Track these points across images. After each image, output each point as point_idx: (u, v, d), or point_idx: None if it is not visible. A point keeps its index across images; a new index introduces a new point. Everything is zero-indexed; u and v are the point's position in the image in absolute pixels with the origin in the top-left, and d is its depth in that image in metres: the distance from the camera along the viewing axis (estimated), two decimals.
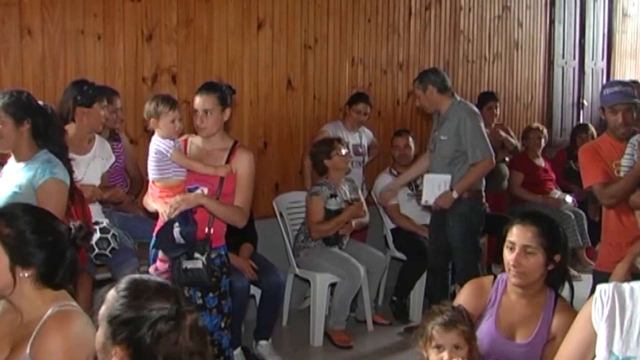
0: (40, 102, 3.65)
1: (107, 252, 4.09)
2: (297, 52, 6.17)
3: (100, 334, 1.99)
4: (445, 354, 2.62)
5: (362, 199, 5.78)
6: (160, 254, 3.86)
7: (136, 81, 5.26)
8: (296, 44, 6.16)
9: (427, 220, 6.07)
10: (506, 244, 3.01)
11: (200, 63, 5.55)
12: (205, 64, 5.58)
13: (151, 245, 3.99)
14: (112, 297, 1.98)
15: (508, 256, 2.98)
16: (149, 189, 3.99)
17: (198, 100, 3.90)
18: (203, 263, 3.75)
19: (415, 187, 6.12)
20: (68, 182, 3.48)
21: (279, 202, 5.82)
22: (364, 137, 6.25)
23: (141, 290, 1.97)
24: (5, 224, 2.31)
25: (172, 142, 3.80)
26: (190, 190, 3.84)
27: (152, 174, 3.88)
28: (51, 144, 3.55)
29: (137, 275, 2.07)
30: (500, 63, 8.07)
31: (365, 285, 5.61)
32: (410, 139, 6.24)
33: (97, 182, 4.41)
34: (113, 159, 4.63)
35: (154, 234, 3.87)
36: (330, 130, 6.02)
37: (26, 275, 2.33)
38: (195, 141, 4.02)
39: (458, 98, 5.38)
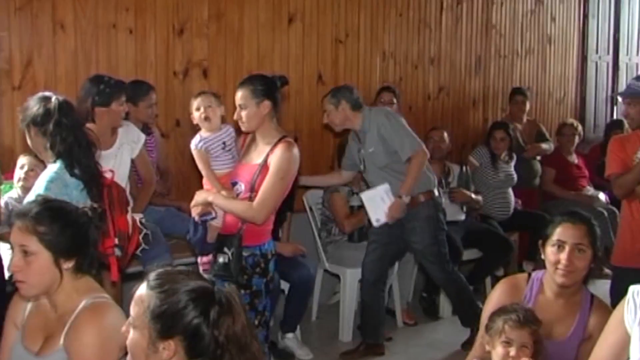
0: (56, 97, 3.52)
1: (137, 252, 4.09)
2: (327, 47, 6.15)
3: (139, 337, 1.94)
4: (512, 350, 2.63)
5: None
6: None
7: (167, 75, 5.28)
8: (327, 39, 6.14)
9: (460, 216, 6.04)
10: (552, 242, 2.93)
11: (231, 57, 5.55)
12: (236, 58, 5.58)
13: None
14: (147, 295, 1.94)
15: (555, 255, 2.91)
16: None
17: (236, 95, 3.87)
18: (229, 258, 3.74)
19: (446, 185, 6.07)
20: (65, 199, 3.20)
21: (309, 196, 5.80)
22: None
23: (180, 280, 1.94)
24: (37, 222, 2.35)
25: (198, 139, 3.81)
26: (233, 185, 3.83)
27: None
28: (66, 157, 3.44)
29: (164, 269, 2.03)
30: (532, 58, 7.98)
31: (395, 278, 5.59)
32: (445, 135, 6.13)
33: (126, 170, 4.35)
34: (143, 138, 4.50)
35: None
36: None
37: (70, 265, 2.38)
38: (253, 136, 3.98)
39: (367, 108, 5.06)
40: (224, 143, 3.84)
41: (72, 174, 3.40)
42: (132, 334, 1.96)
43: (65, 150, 3.42)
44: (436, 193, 5.11)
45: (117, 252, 3.52)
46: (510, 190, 6.53)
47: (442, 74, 7.07)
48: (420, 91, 6.91)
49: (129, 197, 4.24)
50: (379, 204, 4.93)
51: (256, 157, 3.84)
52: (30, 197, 3.26)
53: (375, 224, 4.97)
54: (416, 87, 6.87)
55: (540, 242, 3.02)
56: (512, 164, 6.56)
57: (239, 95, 3.81)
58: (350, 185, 5.49)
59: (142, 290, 1.96)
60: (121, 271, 3.80)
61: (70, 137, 3.43)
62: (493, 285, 3.74)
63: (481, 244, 6.02)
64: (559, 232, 2.93)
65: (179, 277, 1.96)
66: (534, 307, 2.95)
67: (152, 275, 1.98)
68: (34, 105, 3.46)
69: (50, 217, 2.37)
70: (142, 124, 4.77)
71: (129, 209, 3.80)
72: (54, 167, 3.37)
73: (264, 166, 3.76)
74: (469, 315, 5.14)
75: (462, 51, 7.24)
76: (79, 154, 3.44)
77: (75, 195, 3.33)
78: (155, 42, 5.22)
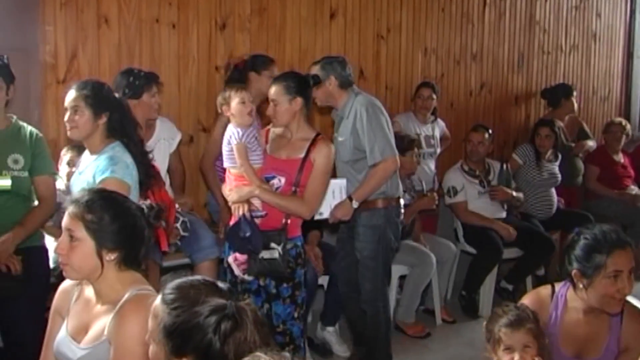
0: (117, 95, 3.61)
1: (176, 240, 4.12)
2: (369, 42, 6.13)
3: (157, 351, 1.96)
4: (516, 355, 2.58)
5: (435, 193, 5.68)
6: None
7: (209, 70, 5.30)
8: (369, 34, 6.12)
9: (501, 215, 5.99)
10: (606, 274, 2.70)
11: (272, 52, 5.52)
12: (278, 53, 5.57)
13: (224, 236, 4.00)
14: (162, 310, 1.95)
15: (612, 287, 2.70)
16: (226, 177, 3.95)
17: (269, 91, 3.93)
18: (279, 253, 3.73)
19: (487, 183, 6.02)
20: (129, 179, 3.31)
21: None
22: (437, 128, 6.17)
23: (193, 296, 1.94)
24: (87, 210, 2.37)
25: (240, 132, 3.76)
26: (267, 180, 3.82)
27: (225, 162, 3.88)
28: (125, 136, 3.47)
29: (180, 281, 2.04)
30: (576, 54, 7.86)
31: (434, 276, 5.54)
32: (487, 136, 6.04)
33: (165, 165, 4.42)
34: (179, 136, 4.58)
35: (226, 230, 3.90)
36: (402, 122, 5.94)
37: (112, 257, 2.39)
38: (277, 130, 4.00)
39: (356, 89, 4.52)
40: (256, 138, 3.86)
41: (133, 156, 3.42)
42: (151, 346, 1.99)
43: (124, 133, 3.46)
44: (394, 203, 4.58)
45: (162, 223, 3.56)
46: (553, 190, 6.46)
47: (485, 70, 7.00)
48: (462, 87, 6.86)
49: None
50: (328, 196, 4.32)
51: (293, 152, 3.87)
52: (85, 184, 3.29)
53: (316, 216, 4.30)
54: (458, 83, 6.82)
55: (575, 272, 2.79)
56: (557, 163, 6.48)
57: (272, 90, 3.88)
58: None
59: (157, 302, 1.98)
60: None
61: (127, 119, 3.49)
62: (534, 285, 3.67)
63: (522, 243, 5.94)
64: (614, 262, 2.70)
65: (192, 292, 1.95)
66: (561, 328, 2.86)
67: (167, 289, 1.99)
68: (99, 89, 3.45)
69: (101, 207, 2.38)
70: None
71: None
72: (109, 151, 3.37)
73: (307, 161, 3.82)
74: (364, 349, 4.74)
75: (505, 47, 7.16)
76: (133, 136, 3.49)
77: (135, 175, 3.36)
78: (198, 36, 5.24)
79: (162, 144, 4.42)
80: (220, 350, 1.87)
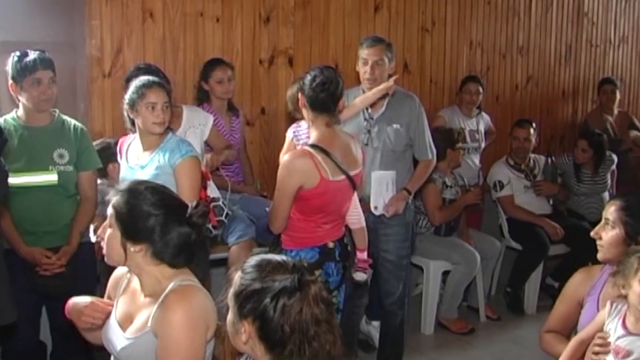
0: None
1: (219, 232, 4.13)
2: (414, 35, 6.08)
3: (230, 314, 2.02)
4: None
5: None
6: None
7: (253, 63, 5.30)
8: (413, 27, 6.07)
9: (547, 210, 5.89)
10: None
11: (316, 45, 5.54)
12: (322, 47, 5.57)
13: None
14: (238, 277, 2.01)
15: None
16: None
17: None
18: None
19: (533, 177, 5.93)
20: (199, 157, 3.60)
21: None
22: (482, 122, 6.09)
23: (263, 265, 1.99)
24: (125, 199, 2.37)
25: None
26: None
27: None
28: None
29: (262, 255, 2.08)
30: (626, 47, 7.70)
31: (479, 272, 5.48)
32: (532, 131, 5.90)
33: (199, 152, 4.41)
34: (211, 119, 4.46)
35: None
36: (447, 116, 5.90)
37: (136, 250, 2.38)
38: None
39: None
40: None
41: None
42: (229, 314, 2.04)
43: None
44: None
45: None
46: (606, 194, 6.24)
47: (531, 63, 6.91)
48: (508, 81, 6.78)
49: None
50: (382, 190, 4.17)
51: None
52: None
53: (373, 210, 4.16)
54: (504, 77, 6.74)
55: None
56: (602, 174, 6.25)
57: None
58: (443, 176, 5.40)
59: (238, 272, 2.04)
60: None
61: None
62: None
63: (569, 240, 5.82)
64: None
65: (264, 264, 2.00)
66: (600, 293, 2.93)
67: (248, 261, 2.04)
68: None
69: (142, 199, 2.38)
70: (227, 102, 4.83)
71: None
72: (173, 138, 3.61)
73: None
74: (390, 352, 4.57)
75: (552, 40, 7.05)
76: None
77: None
78: (242, 30, 5.24)
79: (192, 132, 4.37)
80: (277, 318, 1.89)
